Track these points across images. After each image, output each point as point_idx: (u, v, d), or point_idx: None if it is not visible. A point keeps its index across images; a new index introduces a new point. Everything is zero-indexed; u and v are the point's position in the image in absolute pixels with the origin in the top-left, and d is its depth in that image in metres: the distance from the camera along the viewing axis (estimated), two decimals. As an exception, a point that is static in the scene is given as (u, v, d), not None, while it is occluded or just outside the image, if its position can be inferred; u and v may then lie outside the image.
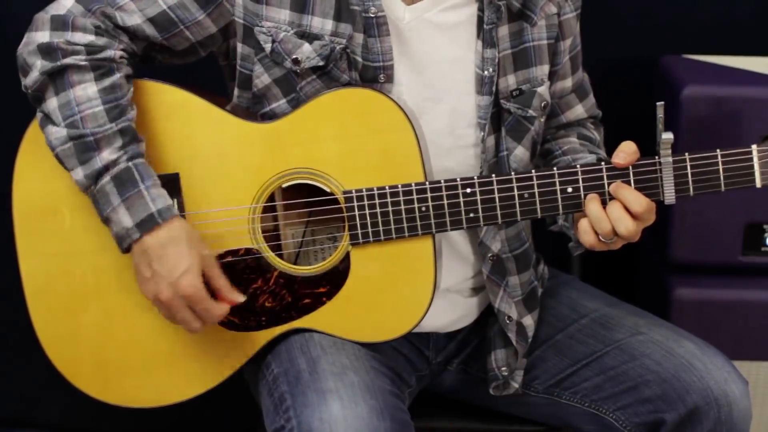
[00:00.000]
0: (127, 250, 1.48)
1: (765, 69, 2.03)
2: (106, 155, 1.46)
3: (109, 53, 1.50)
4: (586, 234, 1.49)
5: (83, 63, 1.48)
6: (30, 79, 1.49)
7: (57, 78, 1.48)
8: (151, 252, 1.46)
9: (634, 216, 1.45)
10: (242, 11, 1.53)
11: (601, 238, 1.48)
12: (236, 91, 1.59)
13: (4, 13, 2.12)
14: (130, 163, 1.46)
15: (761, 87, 1.95)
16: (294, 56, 1.53)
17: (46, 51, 1.48)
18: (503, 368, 1.68)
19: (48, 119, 1.49)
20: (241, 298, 1.51)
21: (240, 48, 1.55)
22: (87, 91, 1.47)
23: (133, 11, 1.51)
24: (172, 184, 1.52)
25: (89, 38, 1.49)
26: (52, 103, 1.48)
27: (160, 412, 1.63)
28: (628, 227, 1.45)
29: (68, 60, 1.47)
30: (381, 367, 1.54)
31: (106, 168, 1.46)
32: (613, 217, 1.46)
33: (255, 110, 1.58)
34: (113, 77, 1.49)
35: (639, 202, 1.45)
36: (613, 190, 1.47)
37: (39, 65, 1.48)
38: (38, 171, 1.55)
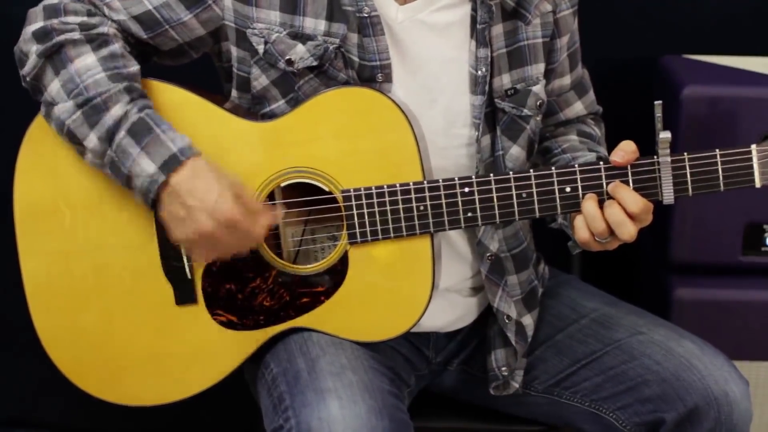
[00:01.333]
0: (154, 201, 1.46)
1: (765, 69, 2.03)
2: (115, 112, 1.45)
3: (103, 29, 1.51)
4: (580, 231, 1.48)
5: (78, 37, 1.49)
6: (28, 66, 1.50)
7: (55, 57, 1.48)
8: (181, 189, 1.43)
9: (630, 216, 1.45)
10: (232, 14, 1.53)
11: (596, 237, 1.48)
12: (235, 93, 1.59)
13: (4, 13, 2.12)
14: (142, 113, 1.46)
15: (761, 87, 1.96)
16: (287, 57, 1.53)
17: (41, 35, 1.49)
18: (503, 368, 1.68)
19: (51, 105, 1.48)
20: (279, 214, 1.49)
21: (235, 51, 1.55)
22: (86, 61, 1.48)
23: (119, 9, 1.53)
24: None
25: (81, 18, 1.51)
26: (54, 87, 1.48)
27: (160, 412, 1.63)
28: (629, 231, 1.45)
29: (63, 37, 1.48)
30: (380, 366, 1.54)
31: (118, 124, 1.45)
32: (613, 221, 1.45)
33: (255, 110, 1.58)
34: (111, 47, 1.49)
35: (636, 202, 1.45)
36: (611, 190, 1.47)
37: (35, 49, 1.49)
38: (39, 170, 1.55)
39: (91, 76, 1.47)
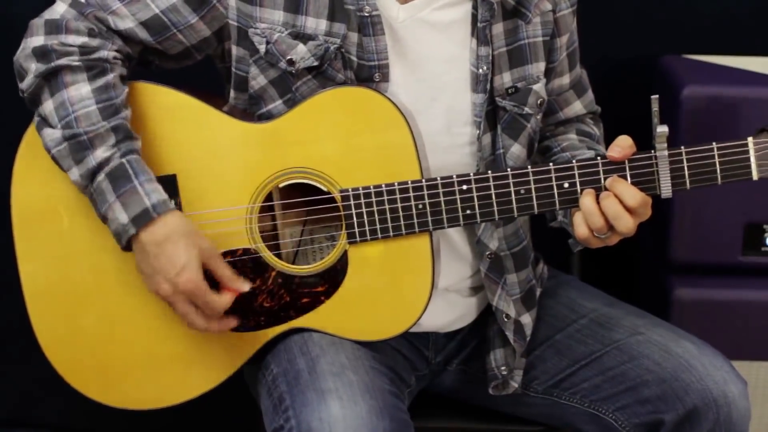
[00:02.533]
0: (127, 247, 1.48)
1: (765, 69, 2.03)
2: (100, 153, 1.46)
3: (103, 53, 1.50)
4: (579, 227, 1.48)
5: (76, 63, 1.48)
6: (26, 83, 1.50)
7: (51, 80, 1.49)
8: (148, 249, 1.46)
9: (629, 210, 1.45)
10: (236, 13, 1.53)
11: (594, 233, 1.48)
12: (232, 93, 1.59)
13: (4, 13, 2.12)
14: (123, 160, 1.47)
15: (761, 87, 1.96)
16: (288, 57, 1.53)
17: (41, 54, 1.49)
18: (502, 368, 1.68)
19: (45, 122, 1.49)
20: (245, 287, 1.51)
21: (234, 50, 1.55)
22: (80, 90, 1.48)
23: (126, 15, 1.52)
24: (169, 185, 1.52)
25: (83, 39, 1.50)
26: (48, 106, 1.48)
27: (160, 414, 1.63)
28: (627, 225, 1.45)
29: (62, 61, 1.48)
30: (380, 366, 1.54)
31: (100, 166, 1.46)
32: (611, 214, 1.45)
33: (252, 111, 1.58)
34: (106, 77, 1.49)
35: (634, 196, 1.45)
36: (609, 185, 1.47)
37: (34, 68, 1.49)
38: (37, 174, 1.55)
39: (84, 107, 1.47)
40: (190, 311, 1.48)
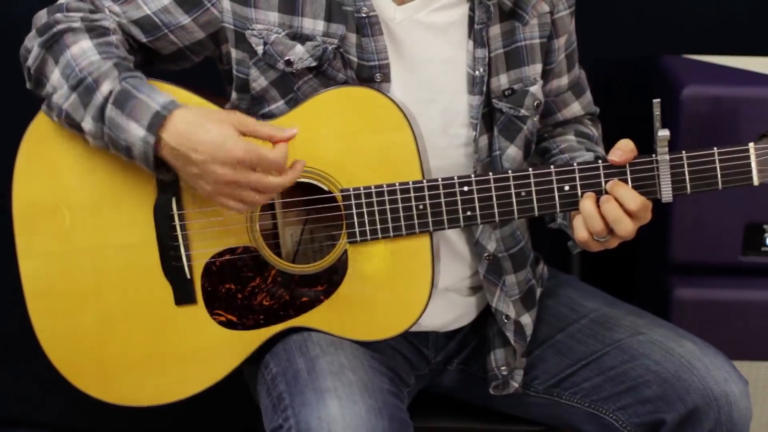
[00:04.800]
0: (158, 164, 1.44)
1: (765, 69, 2.03)
2: (105, 88, 1.45)
3: (105, 23, 1.52)
4: (579, 230, 1.48)
5: (77, 25, 1.50)
6: (31, 58, 1.51)
7: (54, 46, 1.49)
8: (181, 148, 1.41)
9: (629, 214, 1.45)
10: (231, 16, 1.53)
11: (594, 236, 1.47)
12: (235, 95, 1.59)
13: (4, 13, 2.12)
14: (124, 83, 1.45)
15: (761, 87, 1.96)
16: (286, 58, 1.53)
17: (43, 29, 1.51)
18: (503, 368, 1.68)
19: (52, 95, 1.49)
20: (293, 130, 1.43)
21: (234, 53, 1.55)
22: (82, 46, 1.48)
23: (119, 14, 1.54)
24: (171, 183, 1.52)
25: (84, 14, 1.52)
26: (54, 76, 1.49)
27: (160, 412, 1.63)
28: (627, 228, 1.45)
29: (62, 26, 1.50)
30: (380, 366, 1.54)
31: (106, 100, 1.45)
32: (611, 218, 1.45)
33: (254, 111, 1.58)
34: (108, 37, 1.50)
35: (635, 200, 1.45)
36: (610, 188, 1.47)
37: (37, 41, 1.51)
38: (38, 171, 1.55)
39: (86, 57, 1.47)
40: (258, 178, 1.40)
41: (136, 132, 1.42)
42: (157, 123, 1.42)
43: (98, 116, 1.45)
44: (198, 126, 1.41)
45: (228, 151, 1.39)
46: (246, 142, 1.40)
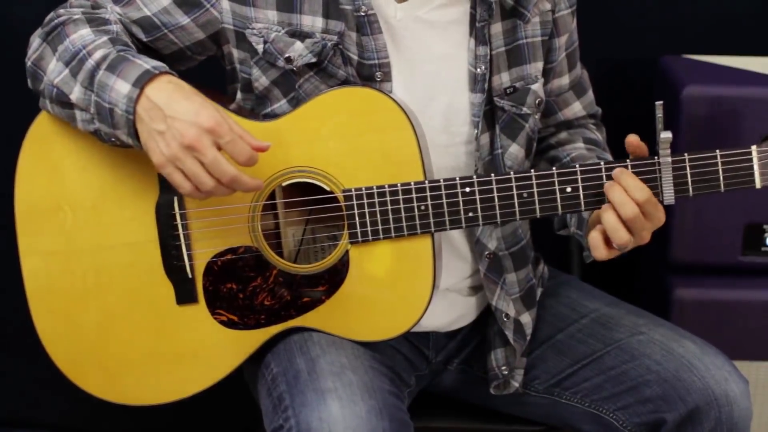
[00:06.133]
0: (133, 124, 1.40)
1: (765, 69, 2.03)
2: (97, 55, 1.45)
3: (106, 15, 1.53)
4: (596, 250, 1.46)
5: (78, 16, 1.51)
6: (31, 50, 1.53)
7: (54, 37, 1.50)
8: (159, 101, 1.38)
9: (637, 203, 1.43)
10: (231, 16, 1.53)
11: (618, 247, 1.44)
12: (240, 95, 1.59)
13: (4, 13, 2.12)
14: (120, 52, 1.45)
15: (761, 87, 1.96)
16: (286, 55, 1.53)
17: (46, 23, 1.53)
18: (503, 367, 1.68)
19: (45, 82, 1.50)
20: (268, 143, 1.41)
21: (236, 53, 1.56)
22: (81, 32, 1.49)
23: (120, 14, 1.55)
24: (172, 182, 1.52)
25: (86, 9, 1.55)
26: (51, 66, 1.49)
27: (160, 412, 1.63)
28: (633, 210, 1.42)
29: (64, 17, 1.52)
30: (380, 366, 1.54)
31: (98, 64, 1.44)
32: (616, 201, 1.43)
33: (258, 111, 1.59)
34: (109, 26, 1.51)
35: (642, 190, 1.43)
36: (616, 176, 1.45)
37: (39, 34, 1.53)
38: (40, 170, 1.56)
39: (82, 40, 1.48)
40: (218, 156, 1.37)
41: (121, 89, 1.40)
42: (144, 79, 1.40)
43: (88, 81, 1.44)
44: (183, 91, 1.40)
45: (201, 116, 1.37)
46: (220, 116, 1.39)
